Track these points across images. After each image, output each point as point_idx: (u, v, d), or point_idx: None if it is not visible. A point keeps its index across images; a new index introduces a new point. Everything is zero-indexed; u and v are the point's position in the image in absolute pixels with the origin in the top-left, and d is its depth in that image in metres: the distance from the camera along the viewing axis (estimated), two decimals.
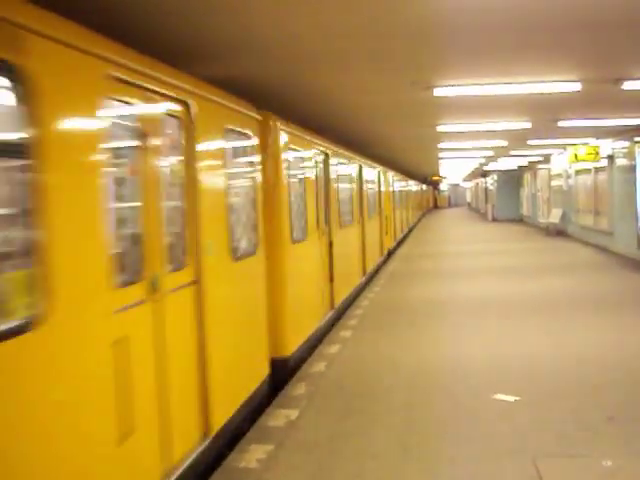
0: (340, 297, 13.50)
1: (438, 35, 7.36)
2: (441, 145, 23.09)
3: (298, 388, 8.61)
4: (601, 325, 11.64)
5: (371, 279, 18.80)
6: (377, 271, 20.65)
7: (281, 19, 6.45)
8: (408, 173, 43.34)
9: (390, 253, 25.68)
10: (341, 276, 13.66)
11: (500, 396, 7.86)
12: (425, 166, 41.48)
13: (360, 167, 18.10)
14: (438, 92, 10.52)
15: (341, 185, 14.68)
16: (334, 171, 13.75)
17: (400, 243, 31.51)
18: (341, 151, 14.99)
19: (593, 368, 8.99)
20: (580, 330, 11.28)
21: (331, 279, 12.73)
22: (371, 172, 20.92)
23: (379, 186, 23.07)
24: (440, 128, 16.51)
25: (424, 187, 66.93)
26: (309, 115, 12.84)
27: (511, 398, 7.78)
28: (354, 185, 16.87)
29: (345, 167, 15.55)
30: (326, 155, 12.99)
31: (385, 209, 24.47)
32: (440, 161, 35.82)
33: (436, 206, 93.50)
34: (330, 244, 12.80)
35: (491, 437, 6.66)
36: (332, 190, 13.23)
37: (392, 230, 26.98)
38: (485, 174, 53.71)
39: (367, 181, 19.49)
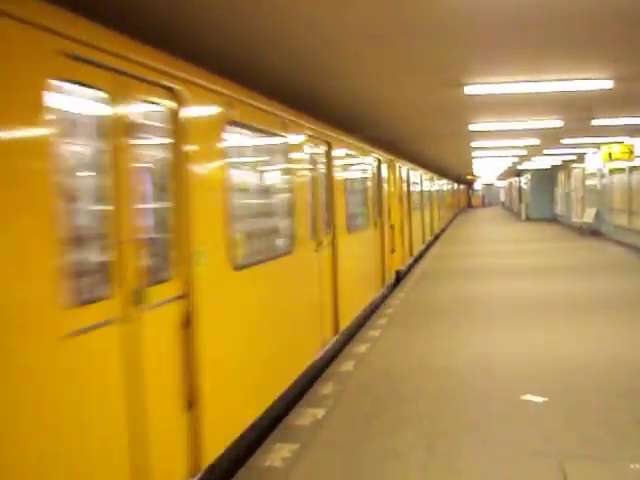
0: (227, 437, 6.09)
1: (467, 32, 7.30)
2: (473, 144, 22.94)
3: (325, 387, 8.59)
4: (633, 327, 11.49)
5: (351, 338, 11.33)
6: (367, 318, 13.08)
7: (308, 19, 6.43)
8: (441, 172, 43.05)
9: (402, 275, 18.77)
10: (237, 385, 6.45)
11: (528, 397, 7.79)
12: (458, 165, 41.28)
13: (328, 148, 10.63)
14: (469, 90, 10.44)
15: (265, 179, 8.15)
16: (238, 151, 7.16)
17: (421, 255, 25.11)
18: (266, 108, 7.58)
19: (623, 370, 8.87)
20: (611, 331, 11.14)
21: (189, 406, 5.31)
22: (359, 160, 13.58)
23: (379, 183, 15.69)
24: (472, 127, 16.41)
25: (457, 186, 66.45)
26: (339, 114, 12.81)
27: (539, 399, 7.71)
28: (311, 181, 9.47)
29: (281, 145, 8.26)
30: (222, 114, 6.29)
31: (393, 216, 17.29)
32: (473, 160, 35.60)
33: (470, 205, 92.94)
34: (187, 319, 5.32)
35: (518, 438, 6.60)
36: (215, 192, 6.09)
37: (406, 243, 20.16)
38: (519, 173, 53.38)
39: (349, 176, 12.34)
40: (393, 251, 17.10)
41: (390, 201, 17.09)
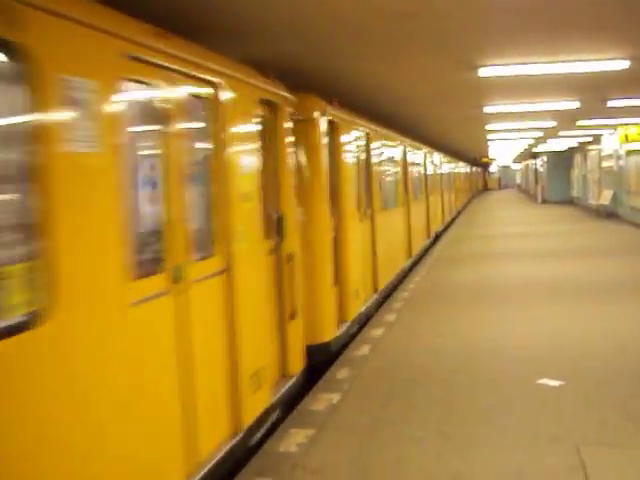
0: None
1: (481, 13, 7.23)
2: (489, 126, 22.79)
3: (341, 372, 8.58)
4: None
5: None
6: None
7: None
8: (456, 154, 42.82)
9: (334, 351, 9.39)
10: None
11: (544, 381, 7.74)
12: (474, 148, 41.05)
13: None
14: (483, 72, 10.36)
15: None
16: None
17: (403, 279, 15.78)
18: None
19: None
20: (629, 316, 11.04)
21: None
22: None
23: (219, 161, 5.92)
24: (487, 109, 16.29)
25: (473, 169, 66.01)
26: (353, 95, 12.74)
27: (555, 383, 7.66)
28: None
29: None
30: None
31: (310, 230, 9.10)
32: (489, 143, 35.41)
33: (486, 188, 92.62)
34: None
35: (533, 423, 6.56)
36: None
37: (353, 277, 10.53)
38: (535, 156, 53.09)
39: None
40: (293, 316, 7.68)
41: (291, 199, 7.97)
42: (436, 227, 24.98)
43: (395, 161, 16.27)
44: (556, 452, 5.84)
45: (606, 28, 8.21)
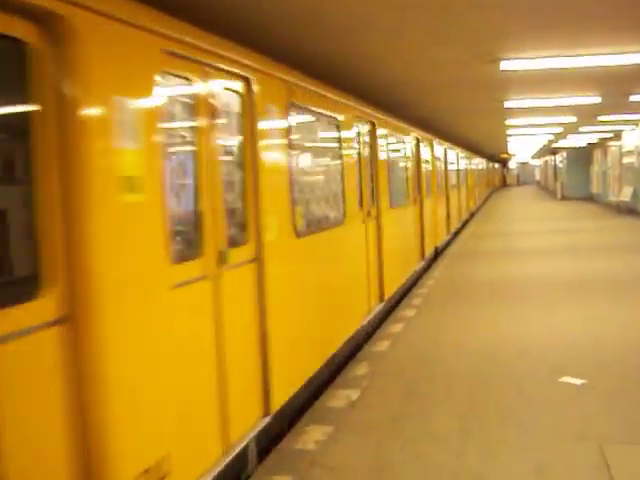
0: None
1: (504, 5, 7.12)
2: (509, 121, 22.62)
3: (360, 368, 8.50)
4: None
5: None
6: None
7: None
8: (474, 150, 42.57)
9: None
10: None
11: (566, 379, 7.64)
12: (493, 143, 40.82)
13: None
14: (505, 66, 10.24)
15: None
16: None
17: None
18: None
19: None
20: None
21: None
22: None
23: None
24: (508, 104, 16.14)
25: (490, 164, 65.81)
26: (372, 90, 12.66)
27: (578, 381, 7.55)
28: None
29: None
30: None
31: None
32: (509, 138, 35.19)
33: (505, 184, 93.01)
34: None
35: (556, 422, 6.46)
36: None
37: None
38: (554, 152, 52.82)
39: None
40: None
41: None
42: (437, 240, 19.37)
43: (350, 148, 9.91)
44: (579, 451, 5.75)
45: (630, 21, 8.08)
